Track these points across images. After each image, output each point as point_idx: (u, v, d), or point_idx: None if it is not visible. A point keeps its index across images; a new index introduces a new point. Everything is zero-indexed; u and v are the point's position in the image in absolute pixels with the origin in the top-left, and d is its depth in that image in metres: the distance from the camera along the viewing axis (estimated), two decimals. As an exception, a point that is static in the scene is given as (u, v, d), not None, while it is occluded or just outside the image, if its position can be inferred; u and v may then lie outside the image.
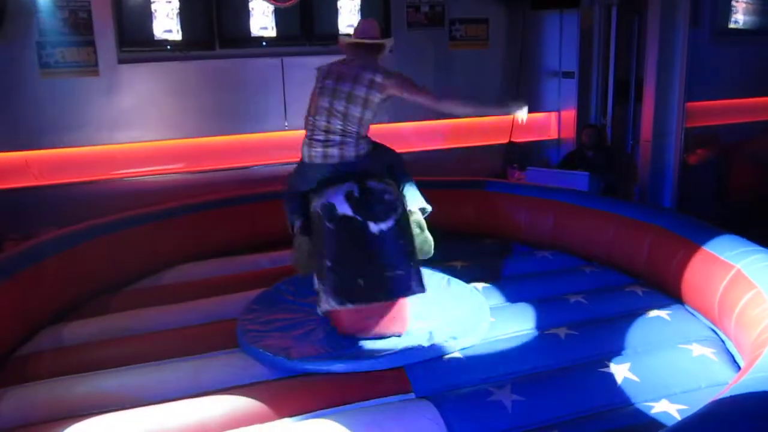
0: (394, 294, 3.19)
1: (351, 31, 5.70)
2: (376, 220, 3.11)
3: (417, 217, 3.41)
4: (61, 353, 3.35)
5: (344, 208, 3.09)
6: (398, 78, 3.32)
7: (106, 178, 5.36)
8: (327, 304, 3.15)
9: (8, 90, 5.01)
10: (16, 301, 3.45)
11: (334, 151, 3.27)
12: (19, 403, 2.87)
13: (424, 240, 3.39)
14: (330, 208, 3.11)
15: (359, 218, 3.08)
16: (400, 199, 3.28)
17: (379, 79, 3.28)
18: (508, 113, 3.66)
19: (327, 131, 3.28)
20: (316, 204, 3.17)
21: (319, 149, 3.29)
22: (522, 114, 3.41)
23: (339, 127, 3.26)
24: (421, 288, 3.23)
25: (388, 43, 3.50)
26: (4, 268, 3.55)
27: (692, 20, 5.60)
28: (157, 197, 5.27)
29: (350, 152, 3.28)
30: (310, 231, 3.31)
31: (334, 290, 3.10)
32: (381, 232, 3.11)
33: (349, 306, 3.13)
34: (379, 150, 3.45)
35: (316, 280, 3.27)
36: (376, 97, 3.28)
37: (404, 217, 3.24)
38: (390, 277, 3.13)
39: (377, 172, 3.34)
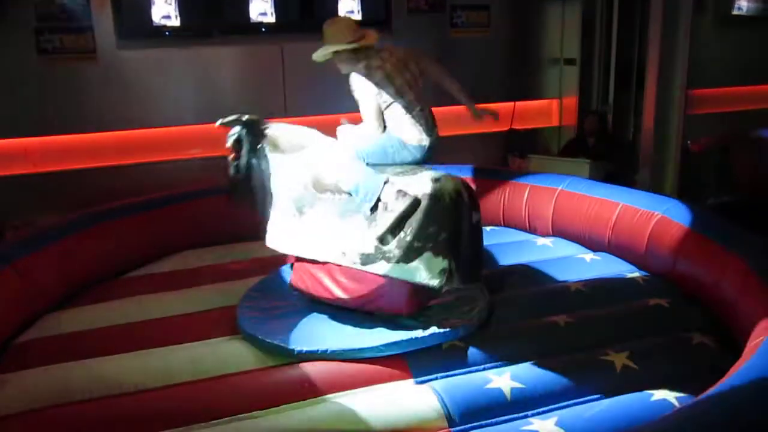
0: (475, 278, 3.38)
1: (352, 17, 5.74)
2: (477, 210, 3.32)
3: None
4: (62, 340, 3.35)
5: (466, 197, 3.26)
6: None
7: (104, 165, 5.34)
8: (452, 277, 3.22)
9: (6, 76, 4.98)
10: (16, 287, 3.45)
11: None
12: (19, 389, 2.88)
13: None
14: (459, 194, 3.24)
15: (471, 208, 3.28)
16: None
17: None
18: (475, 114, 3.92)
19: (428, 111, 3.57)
20: (443, 188, 3.20)
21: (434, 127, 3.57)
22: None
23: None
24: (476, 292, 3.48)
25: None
26: (5, 255, 3.56)
27: (695, 7, 5.55)
28: (155, 184, 5.26)
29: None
30: None
31: (457, 261, 3.22)
32: (477, 221, 3.33)
33: (466, 279, 3.29)
34: None
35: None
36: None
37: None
38: (475, 262, 3.34)
39: None
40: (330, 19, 3.61)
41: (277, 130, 3.68)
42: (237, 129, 3.62)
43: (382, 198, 3.24)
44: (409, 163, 3.54)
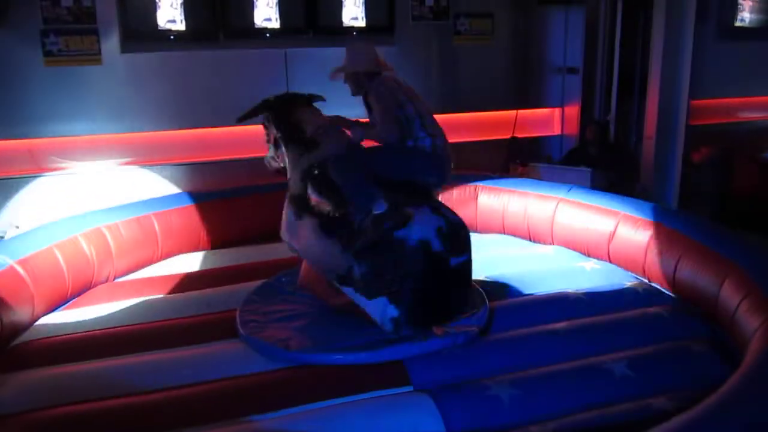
0: (454, 313, 3.31)
1: (355, 24, 5.77)
2: (458, 255, 3.25)
3: None
4: (61, 340, 3.36)
5: (437, 245, 3.18)
6: None
7: (107, 167, 5.36)
8: (400, 327, 3.18)
9: (12, 77, 5.01)
10: (17, 287, 3.46)
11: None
12: (18, 389, 2.89)
13: None
14: (426, 245, 3.15)
15: (445, 254, 3.20)
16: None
17: None
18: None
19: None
20: (410, 237, 3.15)
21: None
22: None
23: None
24: (471, 305, 3.42)
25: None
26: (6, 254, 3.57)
27: (698, 17, 5.57)
28: (157, 187, 5.28)
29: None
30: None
31: (410, 318, 3.17)
32: (459, 264, 3.27)
33: (418, 328, 3.20)
34: None
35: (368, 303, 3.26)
36: None
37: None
38: (455, 300, 3.32)
39: None
40: (354, 41, 3.65)
41: (303, 114, 3.75)
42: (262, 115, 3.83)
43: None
44: (423, 187, 3.52)
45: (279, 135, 3.84)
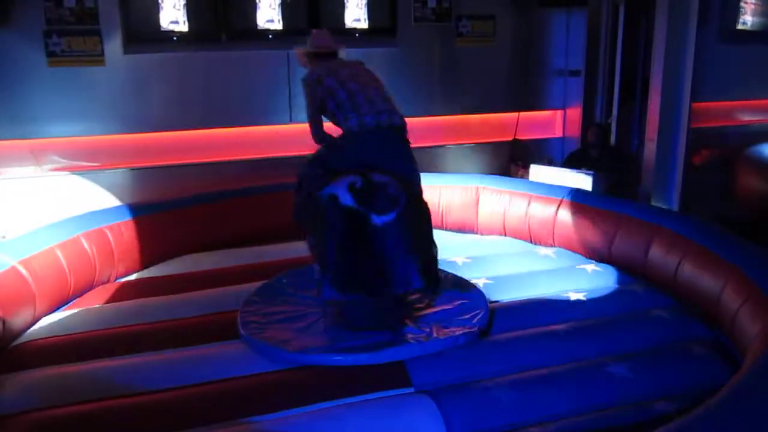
0: (394, 287, 3.19)
1: (358, 25, 5.78)
2: (379, 213, 3.11)
3: None
4: (63, 341, 3.36)
5: (347, 200, 3.09)
6: None
7: (109, 167, 5.37)
8: (328, 292, 3.16)
9: (15, 78, 5.02)
10: (18, 287, 3.47)
11: (397, 116, 3.42)
12: (19, 389, 2.89)
13: None
14: (333, 199, 3.11)
15: (362, 210, 3.09)
16: (405, 191, 3.26)
17: None
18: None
19: (385, 99, 3.44)
20: (322, 193, 3.16)
21: (384, 114, 3.38)
22: None
23: (387, 94, 3.47)
24: (420, 282, 3.23)
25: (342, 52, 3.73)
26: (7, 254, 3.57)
27: (700, 20, 5.56)
28: (159, 188, 5.28)
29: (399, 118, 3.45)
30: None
31: (335, 280, 3.11)
32: (384, 224, 3.11)
33: (349, 297, 3.14)
34: None
35: (317, 269, 3.28)
36: None
37: (409, 209, 3.22)
38: (390, 270, 3.14)
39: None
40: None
41: None
42: None
43: None
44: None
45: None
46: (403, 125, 3.47)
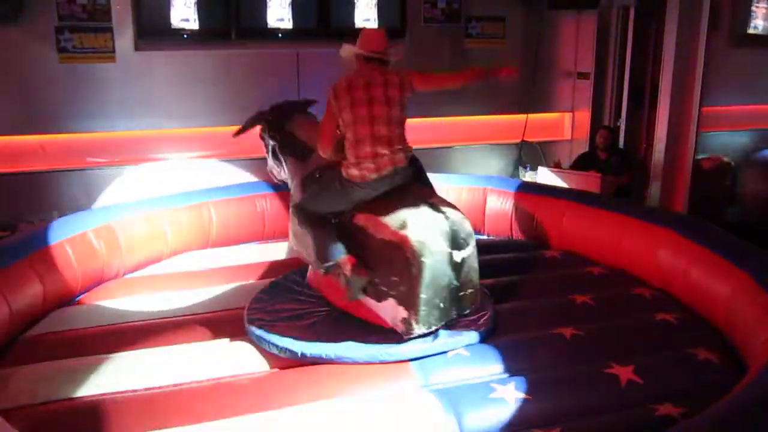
0: (465, 309, 3.31)
1: (368, 25, 5.79)
2: (460, 249, 3.22)
3: None
4: (70, 336, 3.39)
5: (439, 243, 3.15)
6: (415, 73, 3.35)
7: (119, 163, 5.41)
8: (411, 327, 3.14)
9: (27, 74, 5.06)
10: (27, 281, 3.49)
11: (399, 156, 3.28)
12: (28, 382, 2.92)
13: None
14: (428, 244, 3.12)
15: (449, 250, 3.18)
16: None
17: (401, 78, 3.30)
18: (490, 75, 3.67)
19: (390, 141, 3.24)
20: (412, 233, 3.12)
21: (388, 160, 3.25)
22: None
23: (397, 132, 3.28)
24: (483, 302, 3.43)
25: (397, 55, 3.41)
26: (14, 250, 3.60)
27: (710, 24, 5.55)
28: (168, 183, 5.30)
29: (403, 158, 3.31)
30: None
31: (420, 316, 3.13)
32: (462, 259, 3.22)
33: (433, 328, 3.19)
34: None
35: (386, 303, 3.26)
36: (405, 98, 3.31)
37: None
38: (463, 295, 3.27)
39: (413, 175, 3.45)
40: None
41: (299, 121, 3.82)
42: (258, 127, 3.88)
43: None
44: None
45: (275, 145, 3.85)
46: (408, 161, 3.36)
